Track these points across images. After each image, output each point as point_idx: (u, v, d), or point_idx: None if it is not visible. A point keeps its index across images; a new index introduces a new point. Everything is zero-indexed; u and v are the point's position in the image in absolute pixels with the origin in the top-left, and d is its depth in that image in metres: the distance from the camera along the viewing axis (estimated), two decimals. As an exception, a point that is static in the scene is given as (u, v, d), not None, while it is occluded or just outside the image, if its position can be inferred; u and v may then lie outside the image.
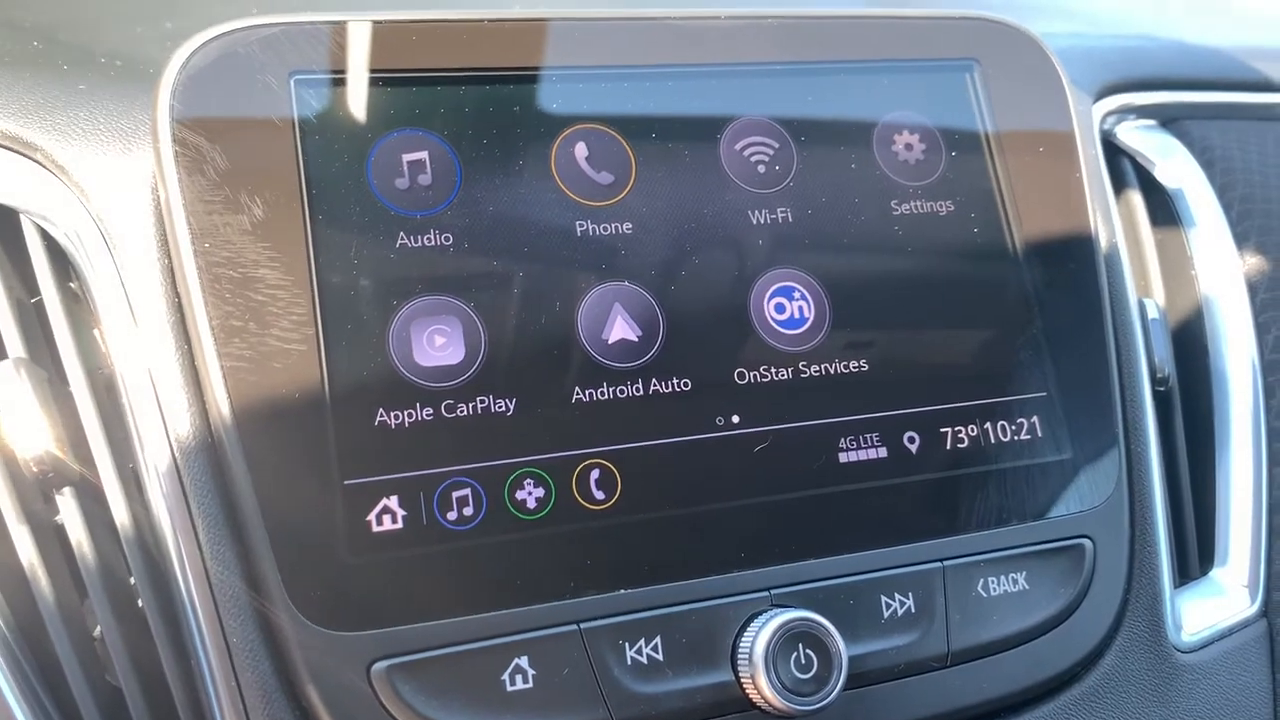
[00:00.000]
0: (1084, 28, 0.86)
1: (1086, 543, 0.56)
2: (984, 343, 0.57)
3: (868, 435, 0.54)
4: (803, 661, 0.48)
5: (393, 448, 0.47)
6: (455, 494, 0.48)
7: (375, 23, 0.51)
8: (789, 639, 0.48)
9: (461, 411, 0.49)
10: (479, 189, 0.51)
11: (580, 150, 0.53)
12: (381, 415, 0.48)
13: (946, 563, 0.53)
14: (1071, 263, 0.59)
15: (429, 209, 0.50)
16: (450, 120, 0.52)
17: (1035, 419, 0.56)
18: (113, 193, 0.51)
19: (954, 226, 0.58)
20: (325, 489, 0.46)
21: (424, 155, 0.51)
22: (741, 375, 0.53)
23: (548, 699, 0.47)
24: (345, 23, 0.51)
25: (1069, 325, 0.58)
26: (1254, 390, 0.65)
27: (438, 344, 0.49)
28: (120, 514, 0.49)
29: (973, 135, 0.60)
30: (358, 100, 0.51)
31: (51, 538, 0.50)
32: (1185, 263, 0.70)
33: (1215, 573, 0.63)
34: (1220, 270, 0.69)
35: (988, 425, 0.56)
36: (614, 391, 0.51)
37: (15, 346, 0.51)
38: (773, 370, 0.53)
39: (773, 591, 0.50)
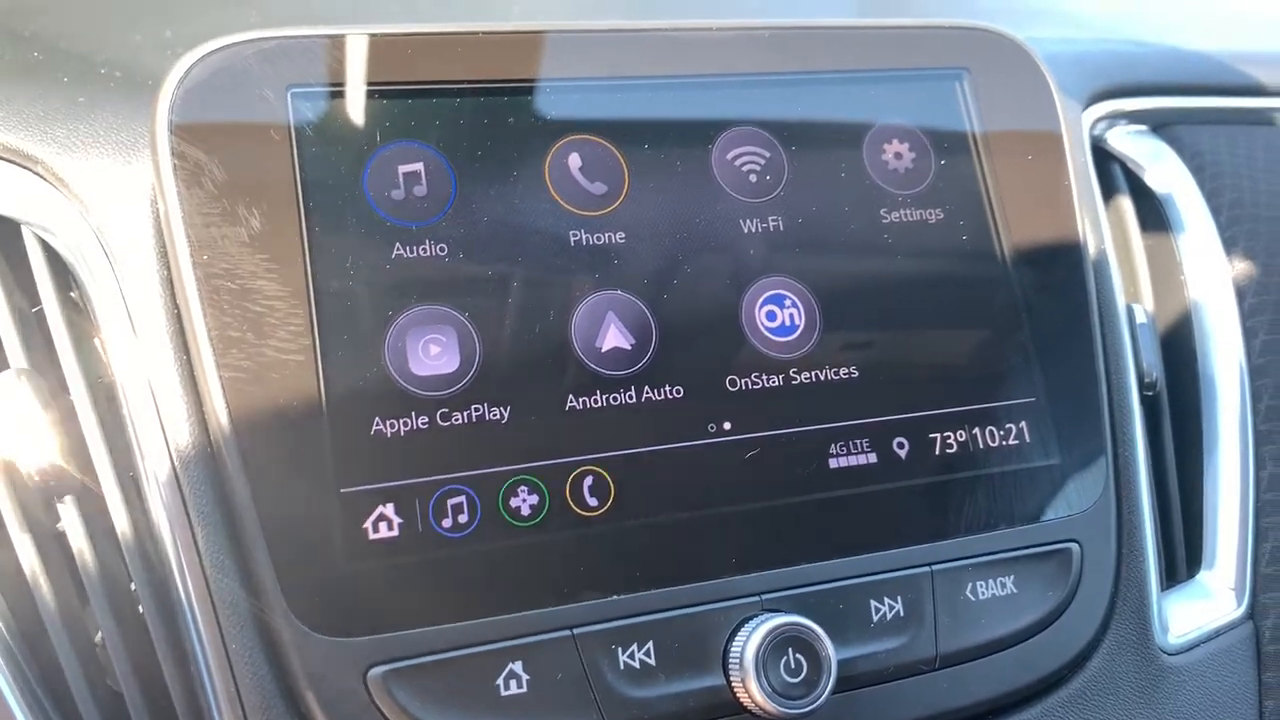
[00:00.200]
0: (1074, 32, 0.86)
1: (1074, 546, 0.57)
2: (973, 349, 0.57)
3: (858, 441, 0.54)
4: (792, 665, 0.49)
5: (389, 456, 0.48)
6: (450, 501, 0.49)
7: (370, 36, 0.52)
8: (779, 643, 0.49)
9: (456, 420, 0.49)
10: (474, 200, 0.52)
11: (574, 161, 0.54)
12: (378, 424, 0.48)
13: (935, 567, 0.54)
14: (1060, 269, 0.60)
15: (424, 220, 0.51)
16: (445, 132, 0.52)
17: (1024, 424, 0.57)
18: (113, 204, 0.52)
19: (944, 234, 0.59)
20: (322, 497, 0.47)
21: (419, 166, 0.52)
22: (733, 382, 0.53)
23: (541, 703, 0.48)
24: (341, 36, 0.52)
25: (1058, 331, 0.59)
26: (1241, 394, 0.66)
27: (433, 353, 0.50)
28: (121, 522, 0.50)
29: (962, 143, 0.60)
30: (354, 113, 0.51)
31: (53, 545, 0.51)
32: (1174, 268, 0.71)
33: (1202, 575, 0.63)
34: (1209, 275, 0.69)
35: (976, 430, 0.56)
36: (607, 399, 0.51)
37: (17, 356, 0.52)
38: (764, 377, 0.54)
39: (764, 596, 0.51)
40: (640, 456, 0.51)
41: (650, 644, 0.49)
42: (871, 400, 0.55)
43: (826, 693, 0.49)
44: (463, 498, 0.49)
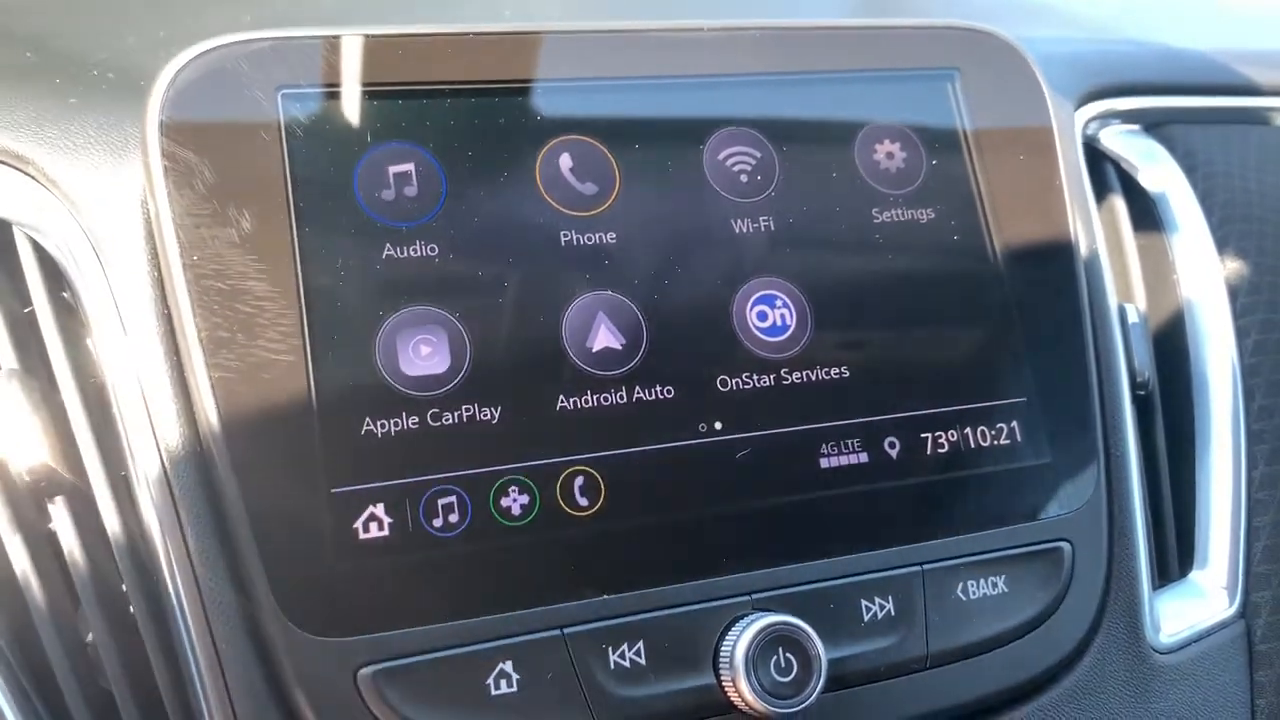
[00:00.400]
0: (1067, 32, 0.86)
1: (1065, 546, 0.57)
2: (964, 348, 0.58)
3: (849, 441, 0.54)
4: (783, 665, 0.49)
5: (379, 456, 0.48)
6: (441, 501, 0.49)
7: (361, 37, 0.52)
8: (769, 643, 0.49)
9: (447, 420, 0.49)
10: (464, 200, 0.52)
11: (565, 161, 0.54)
12: (368, 424, 0.48)
13: (926, 566, 0.54)
14: (1052, 268, 0.60)
15: (415, 220, 0.51)
16: (436, 132, 0.52)
17: (1015, 424, 0.57)
18: (104, 205, 0.52)
19: (935, 234, 0.59)
20: (312, 497, 0.47)
21: (410, 167, 0.52)
22: (724, 383, 0.53)
23: (532, 703, 0.48)
24: (331, 37, 0.52)
25: (1049, 331, 0.59)
26: (1234, 394, 0.66)
27: (424, 353, 0.50)
28: (111, 522, 0.50)
29: (954, 143, 0.60)
30: (344, 113, 0.51)
31: (44, 546, 0.51)
32: (1167, 267, 0.71)
33: (1194, 575, 0.63)
34: (1201, 275, 0.70)
35: (968, 430, 0.56)
36: (598, 399, 0.51)
37: (7, 357, 0.52)
38: (755, 377, 0.54)
39: (754, 596, 0.51)
40: (631, 457, 0.51)
41: (640, 644, 0.49)
42: (862, 400, 0.55)
43: (817, 692, 0.49)
44: (453, 498, 0.49)
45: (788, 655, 0.49)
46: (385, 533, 0.48)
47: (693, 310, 0.54)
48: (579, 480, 0.50)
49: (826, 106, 0.59)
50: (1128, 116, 0.75)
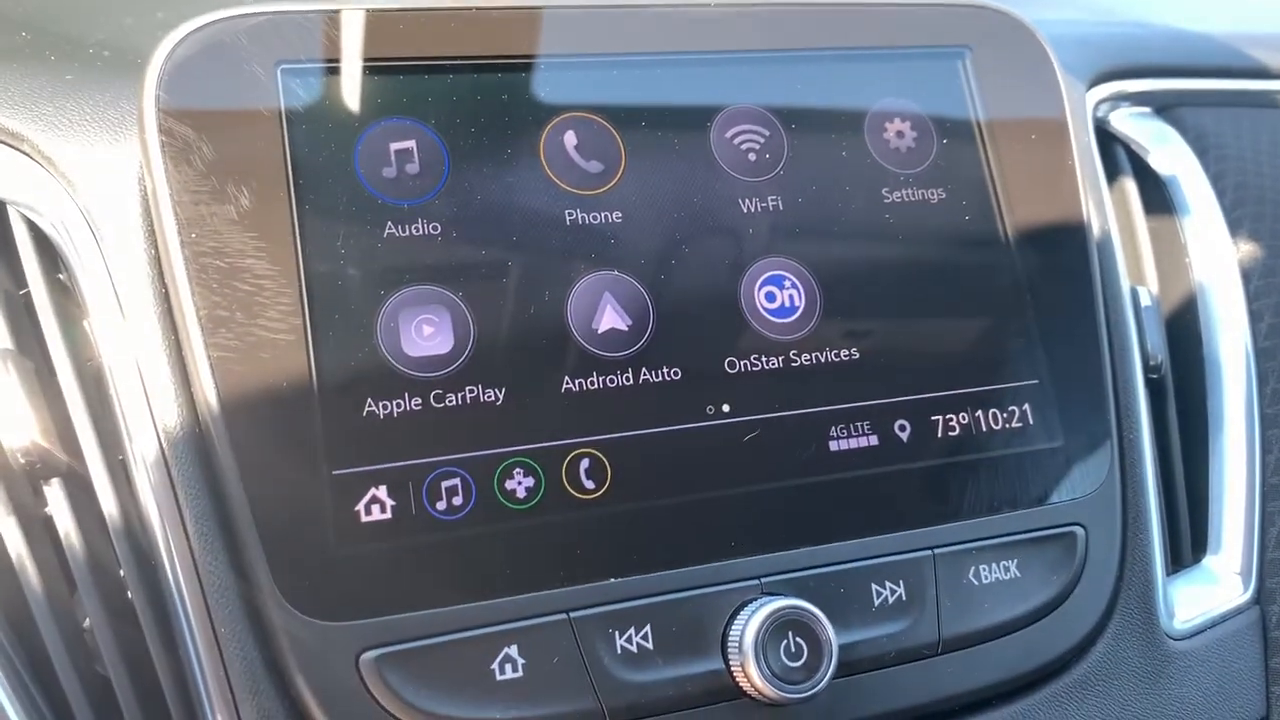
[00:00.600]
0: (1078, 14, 0.85)
1: (1078, 530, 0.56)
2: (975, 330, 0.57)
3: (858, 423, 0.54)
4: (793, 650, 0.48)
5: (381, 438, 0.47)
6: (444, 484, 0.48)
7: (362, 11, 0.51)
8: (779, 627, 0.48)
9: (450, 401, 0.49)
10: (467, 178, 0.51)
11: (569, 139, 0.53)
12: (370, 405, 0.48)
13: (937, 550, 0.53)
14: (1064, 250, 0.59)
15: (417, 198, 0.50)
16: (438, 109, 0.51)
17: (1027, 407, 0.56)
18: (100, 184, 0.51)
19: (945, 214, 0.58)
20: (313, 479, 0.46)
21: (411, 144, 0.51)
22: (732, 364, 0.53)
23: (537, 688, 0.47)
24: (331, 12, 0.51)
25: (1061, 313, 0.58)
26: (1247, 377, 0.65)
27: (426, 333, 0.49)
28: (109, 505, 0.49)
29: (964, 123, 0.59)
30: (344, 89, 0.50)
31: (40, 530, 0.50)
32: (1179, 250, 0.70)
33: (1208, 560, 0.63)
34: (1214, 257, 0.69)
35: (979, 413, 0.55)
36: (604, 381, 0.51)
37: (3, 338, 0.51)
38: (763, 359, 0.53)
39: (763, 580, 0.50)
40: (638, 439, 0.50)
41: (648, 628, 0.48)
42: (872, 382, 0.54)
43: (827, 677, 0.48)
44: (457, 480, 0.48)
45: (798, 640, 0.48)
46: (388, 515, 0.47)
47: (700, 291, 0.53)
48: (585, 462, 0.49)
49: (836, 84, 0.58)
50: (1138, 99, 0.75)
